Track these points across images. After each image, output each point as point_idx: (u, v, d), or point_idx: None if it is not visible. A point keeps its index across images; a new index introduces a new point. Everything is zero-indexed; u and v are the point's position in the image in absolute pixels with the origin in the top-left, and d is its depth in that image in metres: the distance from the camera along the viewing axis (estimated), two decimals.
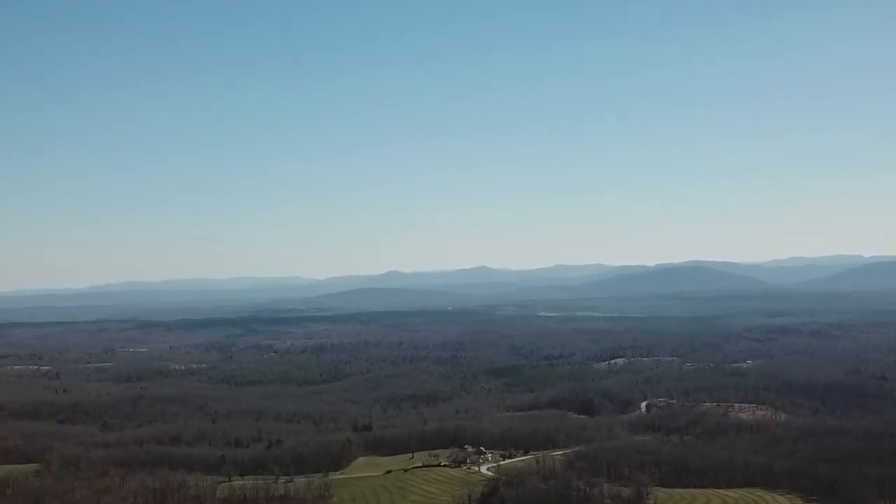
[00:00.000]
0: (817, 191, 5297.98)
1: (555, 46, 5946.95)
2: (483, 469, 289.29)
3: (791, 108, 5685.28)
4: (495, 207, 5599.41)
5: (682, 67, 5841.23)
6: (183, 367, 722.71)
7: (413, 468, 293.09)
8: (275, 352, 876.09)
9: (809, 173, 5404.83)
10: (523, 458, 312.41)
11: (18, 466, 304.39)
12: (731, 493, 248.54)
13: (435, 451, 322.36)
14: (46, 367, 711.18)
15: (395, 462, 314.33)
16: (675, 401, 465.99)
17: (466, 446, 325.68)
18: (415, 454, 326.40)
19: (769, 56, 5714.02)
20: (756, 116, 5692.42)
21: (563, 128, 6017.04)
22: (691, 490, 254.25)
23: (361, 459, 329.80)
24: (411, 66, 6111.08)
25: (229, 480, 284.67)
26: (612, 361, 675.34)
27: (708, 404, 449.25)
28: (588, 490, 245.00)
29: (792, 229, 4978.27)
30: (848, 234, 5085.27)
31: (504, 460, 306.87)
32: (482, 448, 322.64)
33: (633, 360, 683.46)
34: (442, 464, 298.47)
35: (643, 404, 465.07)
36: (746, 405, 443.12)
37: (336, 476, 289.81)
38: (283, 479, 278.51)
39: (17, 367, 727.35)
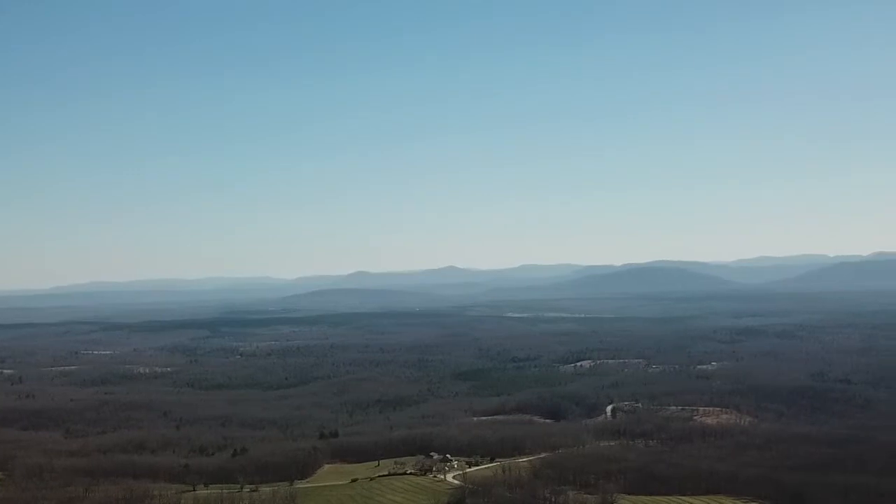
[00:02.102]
0: (783, 191, 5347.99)
1: (516, 49, 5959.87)
2: (449, 477, 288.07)
3: (755, 110, 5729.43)
4: (464, 207, 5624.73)
5: (646, 69, 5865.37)
6: (148, 371, 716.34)
7: (379, 476, 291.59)
8: (241, 354, 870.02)
9: (775, 174, 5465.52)
10: (490, 465, 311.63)
11: None
12: (696, 501, 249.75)
13: (401, 459, 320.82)
14: (9, 371, 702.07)
15: (361, 470, 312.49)
16: (640, 405, 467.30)
17: (433, 454, 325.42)
18: (381, 462, 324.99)
19: (734, 57, 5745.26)
20: (722, 118, 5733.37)
21: (530, 129, 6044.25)
22: (656, 498, 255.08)
23: (327, 467, 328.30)
24: (377, 71, 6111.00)
25: (194, 490, 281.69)
26: (579, 364, 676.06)
27: (673, 408, 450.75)
28: (554, 499, 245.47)
29: (758, 229, 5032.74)
30: (814, 235, 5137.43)
31: (470, 468, 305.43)
32: (448, 456, 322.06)
33: (599, 362, 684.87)
34: (408, 472, 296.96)
35: (609, 408, 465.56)
36: (712, 409, 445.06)
37: (302, 485, 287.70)
38: (248, 489, 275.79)
39: None
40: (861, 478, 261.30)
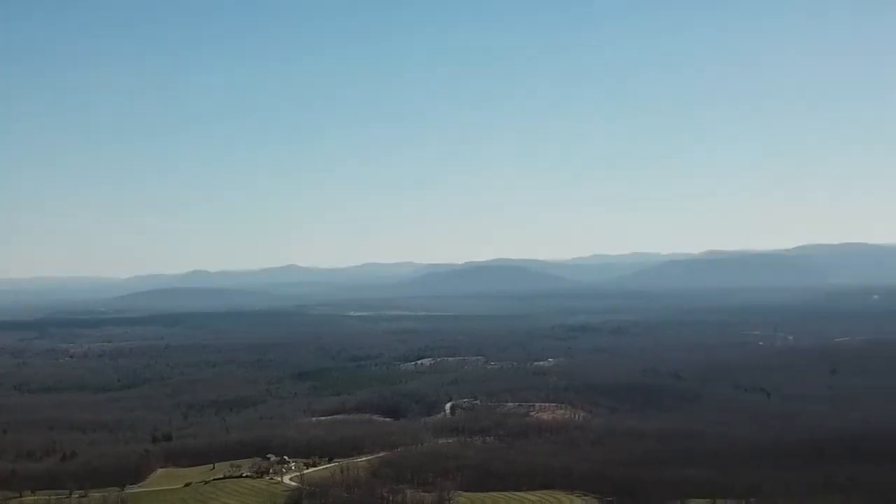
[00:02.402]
0: (616, 191, 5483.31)
1: (349, 49, 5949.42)
2: (286, 479, 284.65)
3: (584, 109, 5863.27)
4: (303, 204, 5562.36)
5: (463, 66, 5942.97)
6: None
7: (214, 480, 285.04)
8: (71, 356, 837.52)
9: (608, 172, 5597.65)
10: (328, 465, 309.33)
11: None
12: (531, 496, 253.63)
13: (238, 462, 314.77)
14: None
15: (196, 473, 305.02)
16: (479, 402, 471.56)
17: (270, 455, 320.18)
18: (216, 465, 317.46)
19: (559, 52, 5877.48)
20: (554, 117, 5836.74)
21: (370, 127, 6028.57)
22: (493, 494, 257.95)
23: (160, 471, 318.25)
24: (199, 74, 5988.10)
25: (20, 497, 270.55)
26: (420, 362, 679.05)
27: (511, 404, 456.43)
28: (392, 498, 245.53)
29: (594, 228, 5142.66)
30: (647, 234, 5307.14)
31: (308, 469, 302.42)
32: (286, 457, 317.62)
33: (439, 360, 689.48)
34: (244, 475, 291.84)
35: (448, 406, 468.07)
36: (548, 405, 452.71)
37: (133, 490, 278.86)
38: (77, 495, 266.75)
39: None
40: (689, 471, 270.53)
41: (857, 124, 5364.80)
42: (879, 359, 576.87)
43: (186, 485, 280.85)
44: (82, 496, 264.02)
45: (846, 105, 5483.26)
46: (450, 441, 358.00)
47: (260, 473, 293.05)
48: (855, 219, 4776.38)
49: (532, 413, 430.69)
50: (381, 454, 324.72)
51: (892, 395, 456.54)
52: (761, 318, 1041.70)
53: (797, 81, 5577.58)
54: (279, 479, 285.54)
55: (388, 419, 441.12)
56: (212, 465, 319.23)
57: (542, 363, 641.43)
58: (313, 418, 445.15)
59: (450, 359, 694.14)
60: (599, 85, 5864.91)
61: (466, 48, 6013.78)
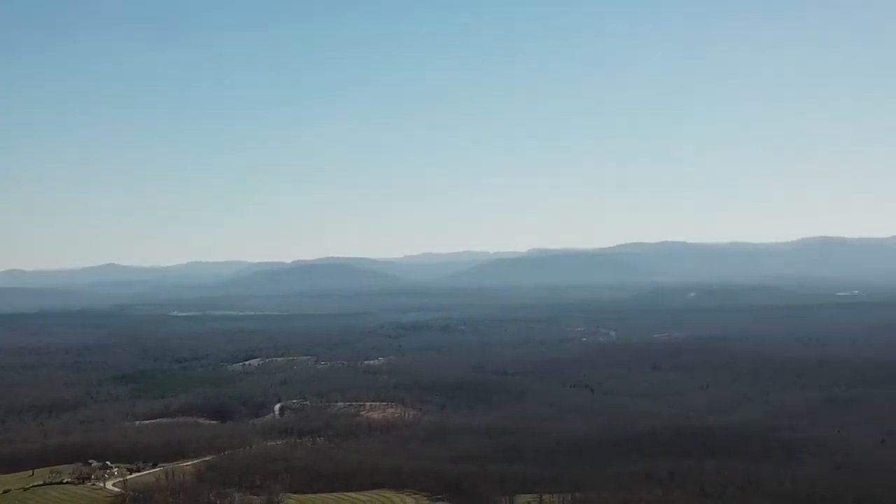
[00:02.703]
0: (446, 189, 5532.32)
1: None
2: (109, 485, 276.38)
3: (409, 106, 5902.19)
4: (124, 201, 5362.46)
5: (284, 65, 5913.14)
6: None
7: (33, 487, 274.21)
8: None
9: (438, 171, 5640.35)
10: (153, 470, 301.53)
11: None
12: (361, 497, 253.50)
13: (57, 468, 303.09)
14: None
15: (13, 481, 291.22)
16: (308, 402, 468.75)
17: (91, 461, 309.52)
18: (35, 471, 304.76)
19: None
20: (376, 114, 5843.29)
21: (197, 124, 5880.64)
22: (322, 495, 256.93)
23: None
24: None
25: None
26: (247, 363, 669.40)
27: (341, 404, 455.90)
28: (218, 502, 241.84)
29: (424, 227, 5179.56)
30: (476, 232, 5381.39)
31: (132, 474, 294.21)
32: (108, 462, 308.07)
33: (268, 360, 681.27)
34: (65, 481, 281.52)
35: (277, 407, 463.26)
36: (378, 404, 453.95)
37: None
38: None
39: None
40: (516, 466, 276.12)
41: (674, 127, 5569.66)
42: (696, 354, 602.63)
43: (5, 492, 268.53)
44: None
45: (656, 107, 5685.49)
46: (279, 443, 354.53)
47: (81, 479, 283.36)
48: (674, 219, 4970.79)
49: (362, 412, 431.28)
50: (208, 458, 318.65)
51: (708, 390, 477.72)
52: (585, 315, 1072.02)
53: (642, 81, 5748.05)
54: (101, 484, 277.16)
55: (214, 422, 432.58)
56: (30, 471, 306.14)
57: (372, 362, 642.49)
58: (136, 422, 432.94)
59: (278, 359, 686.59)
60: (435, 83, 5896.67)
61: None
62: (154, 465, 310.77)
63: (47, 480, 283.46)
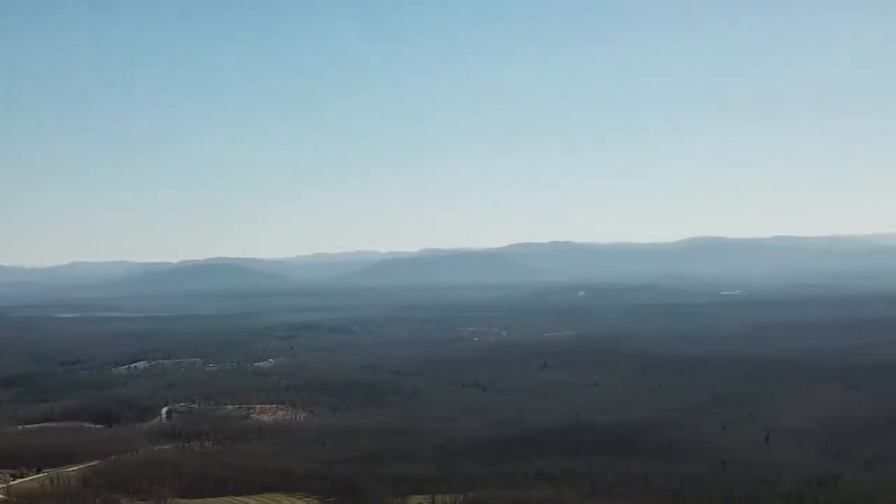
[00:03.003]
0: (337, 188, 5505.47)
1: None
2: None
3: (294, 108, 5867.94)
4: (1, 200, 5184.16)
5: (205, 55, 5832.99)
6: None
7: None
8: None
9: (324, 169, 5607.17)
10: (36, 476, 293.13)
11: None
12: (251, 500, 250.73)
13: None
14: None
15: None
16: (197, 405, 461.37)
17: None
18: None
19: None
20: (253, 116, 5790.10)
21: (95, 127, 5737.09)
22: (210, 500, 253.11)
23: None
24: None
25: None
26: (134, 365, 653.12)
27: (230, 407, 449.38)
28: None
29: (315, 226, 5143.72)
30: (366, 232, 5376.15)
31: (15, 480, 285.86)
32: None
33: (155, 363, 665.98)
34: None
35: (164, 410, 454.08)
36: (268, 406, 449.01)
37: None
38: None
39: None
40: (409, 467, 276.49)
41: (560, 127, 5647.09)
42: (585, 353, 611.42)
43: None
44: None
45: (540, 104, 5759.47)
46: (166, 447, 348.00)
47: None
48: (563, 219, 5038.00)
49: (252, 415, 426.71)
50: (94, 463, 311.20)
51: (597, 388, 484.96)
52: (477, 314, 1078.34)
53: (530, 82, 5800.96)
54: None
55: (100, 426, 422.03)
56: None
57: (262, 363, 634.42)
58: (19, 426, 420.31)
59: (166, 361, 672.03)
60: (310, 80, 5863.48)
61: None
62: (38, 471, 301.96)
63: None
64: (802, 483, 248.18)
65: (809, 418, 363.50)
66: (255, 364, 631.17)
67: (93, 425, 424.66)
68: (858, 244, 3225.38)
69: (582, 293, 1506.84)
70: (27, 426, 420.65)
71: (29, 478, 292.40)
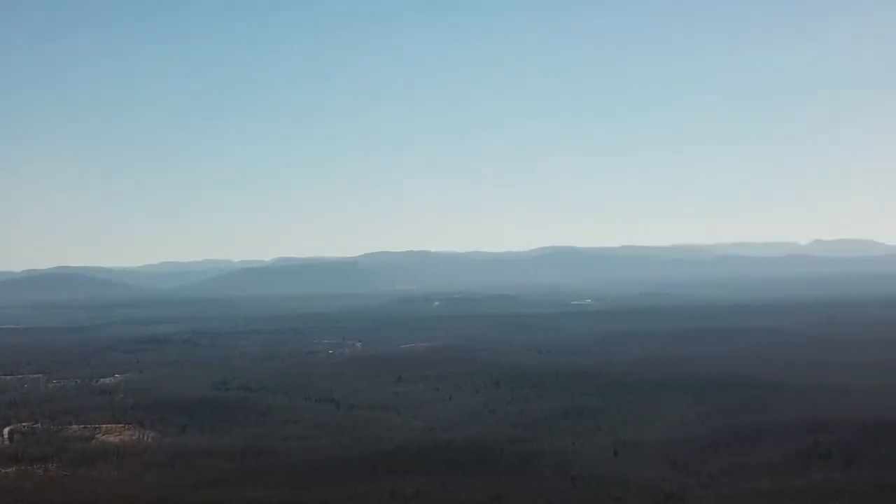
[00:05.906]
0: (185, 196, 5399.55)
1: None
2: None
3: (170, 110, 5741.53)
4: None
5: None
6: None
7: None
8: None
9: (168, 179, 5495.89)
10: None
11: None
12: None
13: None
14: None
15: None
16: (40, 425, 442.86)
17: None
18: None
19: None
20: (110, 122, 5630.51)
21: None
22: None
23: None
24: None
25: None
26: None
27: (75, 427, 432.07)
28: None
29: (161, 234, 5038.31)
30: (217, 241, 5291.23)
31: None
32: None
33: None
34: None
35: (6, 431, 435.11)
36: (115, 426, 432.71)
37: None
38: None
39: None
40: (261, 490, 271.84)
41: (415, 137, 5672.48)
42: (439, 365, 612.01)
43: None
44: None
45: (389, 112, 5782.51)
46: (9, 471, 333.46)
47: None
48: (416, 228, 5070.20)
49: (98, 436, 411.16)
50: None
51: (451, 402, 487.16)
52: (332, 325, 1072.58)
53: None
54: None
55: None
56: None
57: (107, 380, 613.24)
58: None
59: (7, 377, 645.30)
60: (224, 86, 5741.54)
61: None
62: None
63: None
64: (650, 499, 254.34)
65: (657, 431, 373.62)
66: (101, 380, 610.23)
67: None
68: (703, 253, 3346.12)
69: (437, 303, 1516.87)
70: None
71: None
